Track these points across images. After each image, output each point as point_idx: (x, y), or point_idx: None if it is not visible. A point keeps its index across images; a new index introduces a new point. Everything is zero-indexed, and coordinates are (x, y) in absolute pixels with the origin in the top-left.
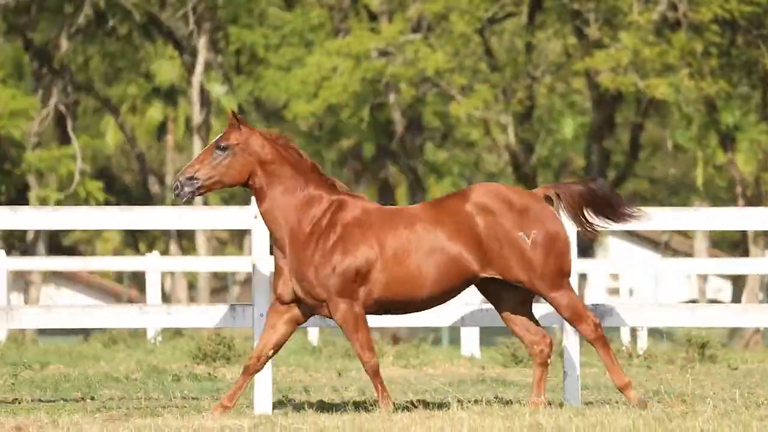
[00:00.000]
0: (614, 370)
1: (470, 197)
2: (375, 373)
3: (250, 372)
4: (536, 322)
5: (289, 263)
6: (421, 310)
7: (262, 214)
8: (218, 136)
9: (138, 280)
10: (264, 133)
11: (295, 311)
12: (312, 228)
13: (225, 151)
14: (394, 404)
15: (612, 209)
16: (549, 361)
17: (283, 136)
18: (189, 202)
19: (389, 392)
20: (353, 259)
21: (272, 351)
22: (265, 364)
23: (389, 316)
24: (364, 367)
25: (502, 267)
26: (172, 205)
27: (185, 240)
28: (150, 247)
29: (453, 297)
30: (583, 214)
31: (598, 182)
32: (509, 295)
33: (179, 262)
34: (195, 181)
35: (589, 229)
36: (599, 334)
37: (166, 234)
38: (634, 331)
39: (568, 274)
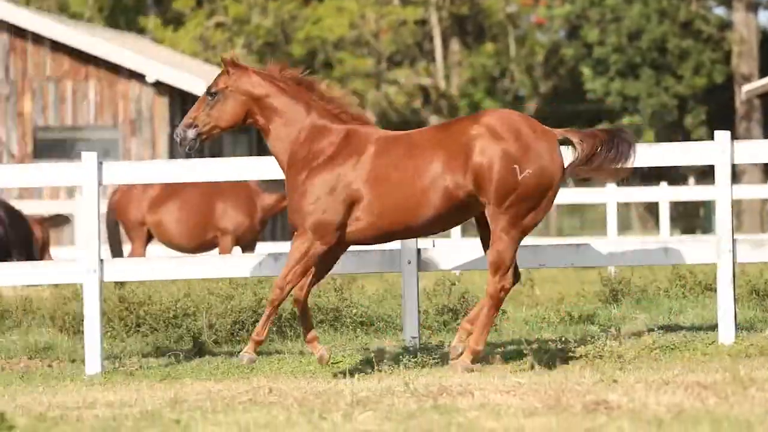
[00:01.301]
0: (483, 333)
1: (480, 120)
2: (273, 307)
3: (300, 303)
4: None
5: (287, 189)
6: (424, 235)
7: (270, 150)
8: (208, 85)
9: None
10: (258, 70)
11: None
12: (310, 158)
13: (215, 96)
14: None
15: (623, 161)
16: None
17: (281, 67)
18: (192, 149)
19: (266, 333)
20: (339, 196)
21: (314, 280)
22: (308, 295)
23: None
24: (271, 293)
25: (483, 189)
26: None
27: None
28: None
29: (460, 221)
30: (594, 162)
31: (624, 134)
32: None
33: None
34: (194, 128)
35: (588, 174)
36: (498, 296)
37: None
38: None
39: (529, 228)
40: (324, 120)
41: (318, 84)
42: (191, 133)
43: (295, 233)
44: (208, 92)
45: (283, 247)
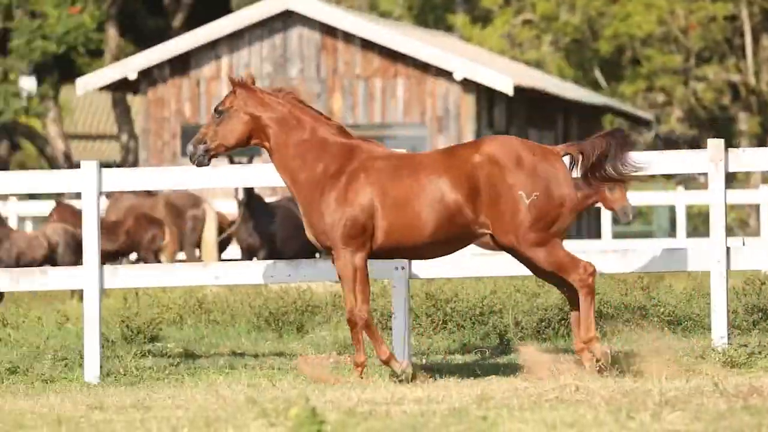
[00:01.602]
0: (589, 322)
1: (481, 147)
2: (366, 325)
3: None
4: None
5: (301, 211)
6: (425, 258)
7: (276, 170)
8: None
9: None
10: (263, 90)
11: None
12: (318, 175)
13: (221, 115)
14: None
15: (624, 163)
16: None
17: (285, 89)
18: (201, 165)
19: (364, 349)
20: (354, 209)
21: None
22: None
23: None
24: (347, 315)
25: (493, 223)
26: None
27: None
28: None
29: (458, 247)
30: (603, 169)
31: (618, 135)
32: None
33: None
34: (203, 145)
35: (602, 182)
36: (588, 281)
37: None
38: None
39: (558, 235)
40: (325, 135)
41: (315, 106)
42: (201, 149)
43: (333, 255)
44: (216, 110)
45: (584, 245)
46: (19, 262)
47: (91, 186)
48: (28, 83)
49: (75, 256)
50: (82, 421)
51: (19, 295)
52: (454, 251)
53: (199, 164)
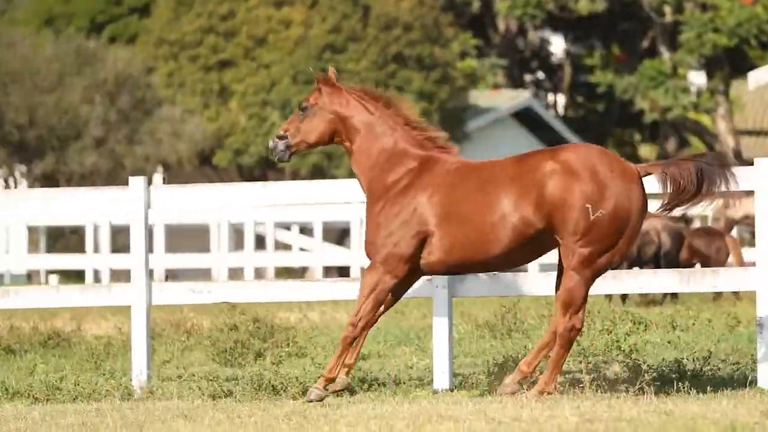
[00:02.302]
0: (552, 373)
1: (557, 155)
2: (345, 345)
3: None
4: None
5: (366, 218)
6: (496, 271)
7: (354, 171)
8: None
9: None
10: (350, 89)
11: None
12: (388, 186)
13: (305, 112)
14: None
15: (721, 185)
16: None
17: (371, 89)
18: (282, 160)
19: (339, 370)
20: (408, 231)
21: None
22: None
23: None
24: (343, 330)
25: (555, 227)
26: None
27: None
28: None
29: (537, 255)
30: (697, 193)
31: (709, 157)
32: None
33: None
34: (285, 140)
35: (693, 206)
36: (569, 335)
37: None
38: None
39: (603, 269)
40: (406, 145)
41: (405, 108)
42: (281, 145)
43: (367, 266)
44: (300, 107)
45: None
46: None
47: None
48: (697, 78)
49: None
50: (757, 428)
51: (689, 296)
52: (533, 260)
53: (280, 160)
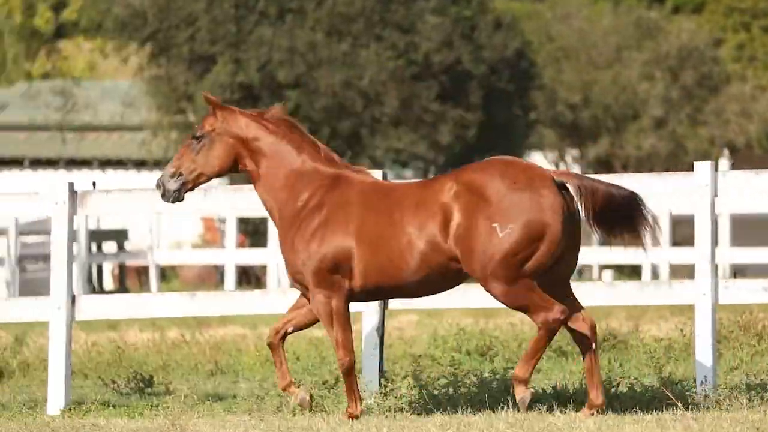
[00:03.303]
0: (529, 360)
1: (463, 174)
2: (347, 372)
3: (275, 347)
4: (575, 302)
5: (280, 245)
6: (412, 297)
7: (259, 198)
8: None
9: None
10: (246, 111)
11: None
12: (299, 208)
13: (201, 140)
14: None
15: (629, 227)
16: (594, 346)
17: (272, 110)
18: (177, 201)
19: (360, 396)
20: (329, 247)
21: (292, 329)
22: (283, 340)
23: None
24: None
25: (462, 253)
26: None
27: None
28: None
29: (453, 283)
30: (597, 219)
31: (626, 192)
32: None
33: None
34: (179, 178)
35: (600, 232)
36: (549, 326)
37: None
38: None
39: (534, 271)
40: (315, 164)
41: (302, 126)
42: (173, 184)
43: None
44: (193, 136)
45: None
46: None
47: None
48: None
49: None
50: None
51: None
52: (444, 290)
53: (174, 201)
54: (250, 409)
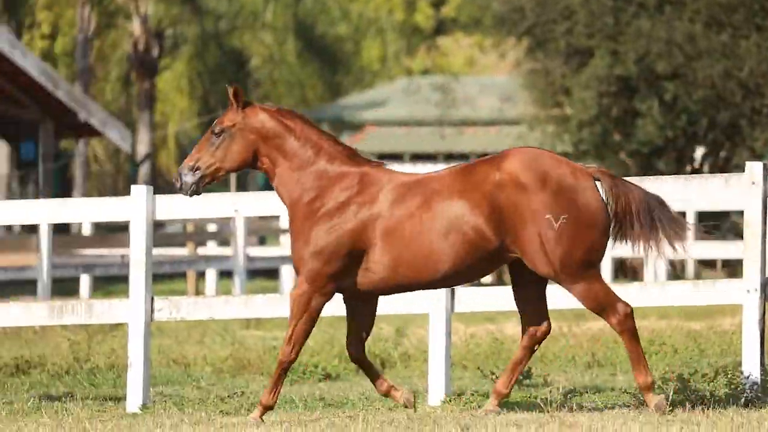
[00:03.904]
0: (638, 366)
1: (502, 165)
2: (282, 371)
3: (360, 362)
4: (545, 310)
5: (294, 239)
6: (441, 288)
7: (277, 193)
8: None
9: None
10: (265, 107)
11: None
12: (318, 203)
13: (221, 135)
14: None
15: (658, 238)
16: (536, 348)
17: (287, 109)
18: (194, 194)
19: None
20: (341, 241)
21: (365, 335)
22: (364, 350)
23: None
24: (278, 357)
25: (522, 252)
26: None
27: None
28: None
29: (482, 275)
30: (627, 221)
31: (661, 202)
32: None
33: None
34: (196, 172)
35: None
36: (627, 326)
37: None
38: None
39: (596, 264)
40: (335, 163)
41: (314, 124)
42: (191, 177)
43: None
44: (213, 131)
45: None
46: None
47: None
48: None
49: None
50: None
51: None
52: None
53: (192, 194)
54: (628, 403)
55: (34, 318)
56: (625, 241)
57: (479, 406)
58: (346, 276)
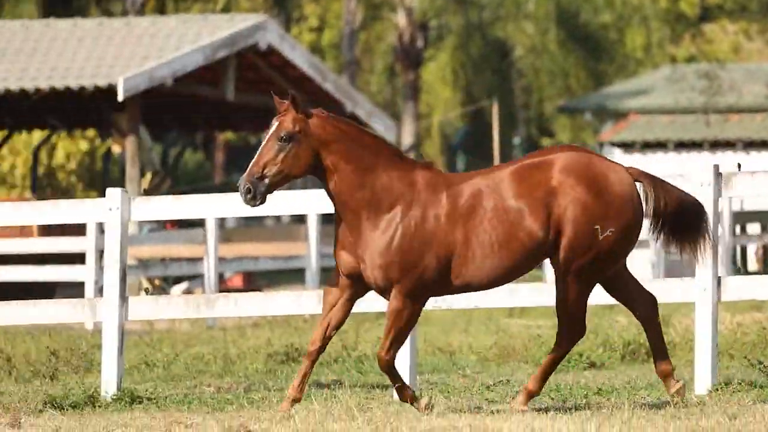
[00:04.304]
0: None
1: (556, 169)
2: (390, 370)
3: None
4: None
5: (357, 245)
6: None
7: (331, 196)
8: (274, 126)
9: None
10: (320, 113)
11: (353, 290)
12: (383, 208)
13: (289, 142)
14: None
15: (691, 237)
16: (658, 320)
17: (336, 115)
18: (261, 203)
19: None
20: (423, 249)
21: (334, 331)
22: (326, 346)
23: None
24: (378, 360)
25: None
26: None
27: None
28: None
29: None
30: (664, 224)
31: (696, 201)
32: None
33: None
34: (264, 180)
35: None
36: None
37: None
38: None
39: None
40: (394, 166)
41: (366, 128)
42: (262, 187)
43: (393, 296)
44: (279, 137)
45: None
46: None
47: None
48: None
49: None
50: None
51: None
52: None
53: (261, 203)
54: None
55: (304, 307)
56: (663, 240)
57: (746, 396)
58: (437, 282)
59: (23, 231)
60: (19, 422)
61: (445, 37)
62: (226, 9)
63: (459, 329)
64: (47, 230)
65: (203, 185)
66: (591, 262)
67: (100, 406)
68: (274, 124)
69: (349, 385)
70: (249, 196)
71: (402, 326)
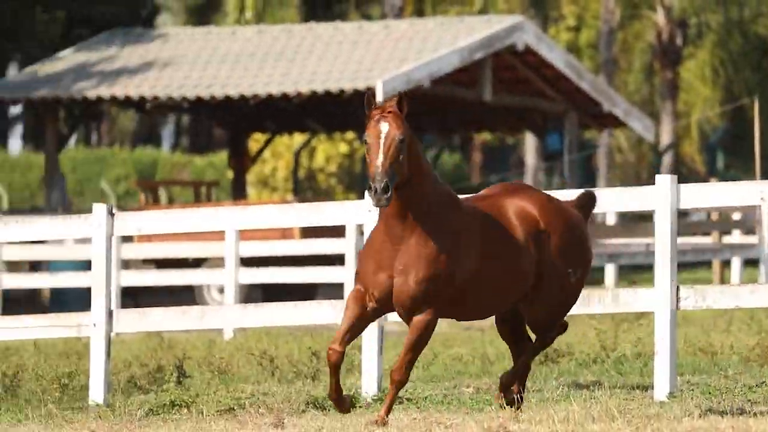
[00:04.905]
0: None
1: (526, 203)
2: (398, 389)
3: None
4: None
5: (400, 258)
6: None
7: (402, 204)
8: (386, 128)
9: None
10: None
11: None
12: (445, 224)
13: (403, 143)
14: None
15: None
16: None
17: None
18: (387, 204)
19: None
20: (461, 267)
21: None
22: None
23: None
24: (393, 379)
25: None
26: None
27: None
28: None
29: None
30: None
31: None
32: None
33: None
34: (392, 182)
35: None
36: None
37: None
38: None
39: None
40: (437, 177)
41: None
42: (389, 189)
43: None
44: (399, 139)
45: None
46: None
47: None
48: None
49: None
50: None
51: None
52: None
53: (386, 206)
54: None
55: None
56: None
57: None
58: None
59: (285, 233)
60: (283, 422)
61: (705, 35)
62: (482, 10)
63: (720, 329)
64: (307, 232)
65: (461, 186)
66: None
67: (360, 407)
68: (388, 125)
69: (608, 386)
70: (384, 199)
71: (420, 341)
